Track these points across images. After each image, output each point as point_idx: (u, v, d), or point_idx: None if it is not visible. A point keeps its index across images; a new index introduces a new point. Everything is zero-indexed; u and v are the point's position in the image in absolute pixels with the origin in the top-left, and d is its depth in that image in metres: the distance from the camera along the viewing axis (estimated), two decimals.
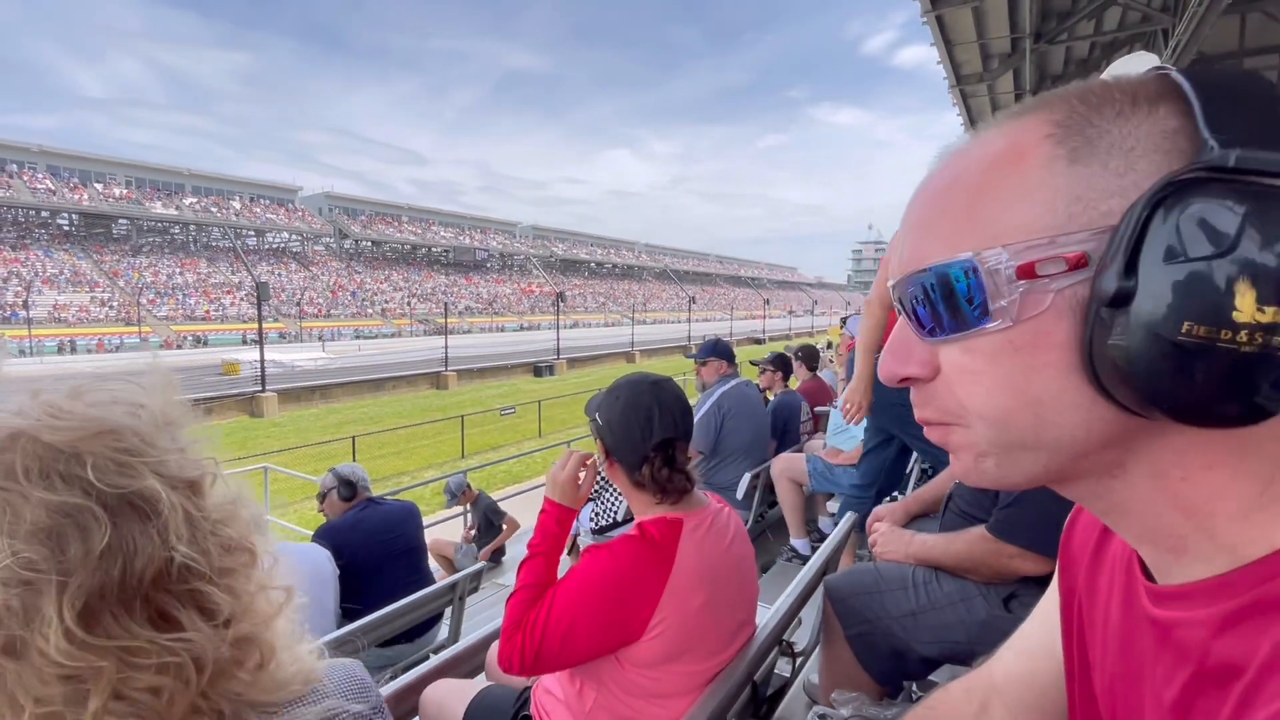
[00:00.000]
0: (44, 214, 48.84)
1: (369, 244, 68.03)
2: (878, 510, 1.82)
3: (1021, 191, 0.35)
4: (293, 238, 62.93)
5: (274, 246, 61.92)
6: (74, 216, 50.25)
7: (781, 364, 4.64)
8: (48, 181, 49.19)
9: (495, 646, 1.60)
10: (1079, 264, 0.33)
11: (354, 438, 13.93)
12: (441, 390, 28.49)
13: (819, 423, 4.47)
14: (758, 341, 55.02)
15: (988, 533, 1.40)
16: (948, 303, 0.37)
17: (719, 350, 3.52)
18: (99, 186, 51.92)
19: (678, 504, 1.23)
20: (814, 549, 3.38)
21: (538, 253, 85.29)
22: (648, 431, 1.21)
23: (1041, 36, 7.44)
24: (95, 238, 50.94)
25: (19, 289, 39.39)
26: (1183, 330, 0.30)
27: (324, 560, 2.47)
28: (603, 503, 3.60)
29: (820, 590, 1.65)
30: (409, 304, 58.41)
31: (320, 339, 42.65)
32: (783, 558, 3.39)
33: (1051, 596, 0.58)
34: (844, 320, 3.45)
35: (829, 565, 1.78)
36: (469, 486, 5.76)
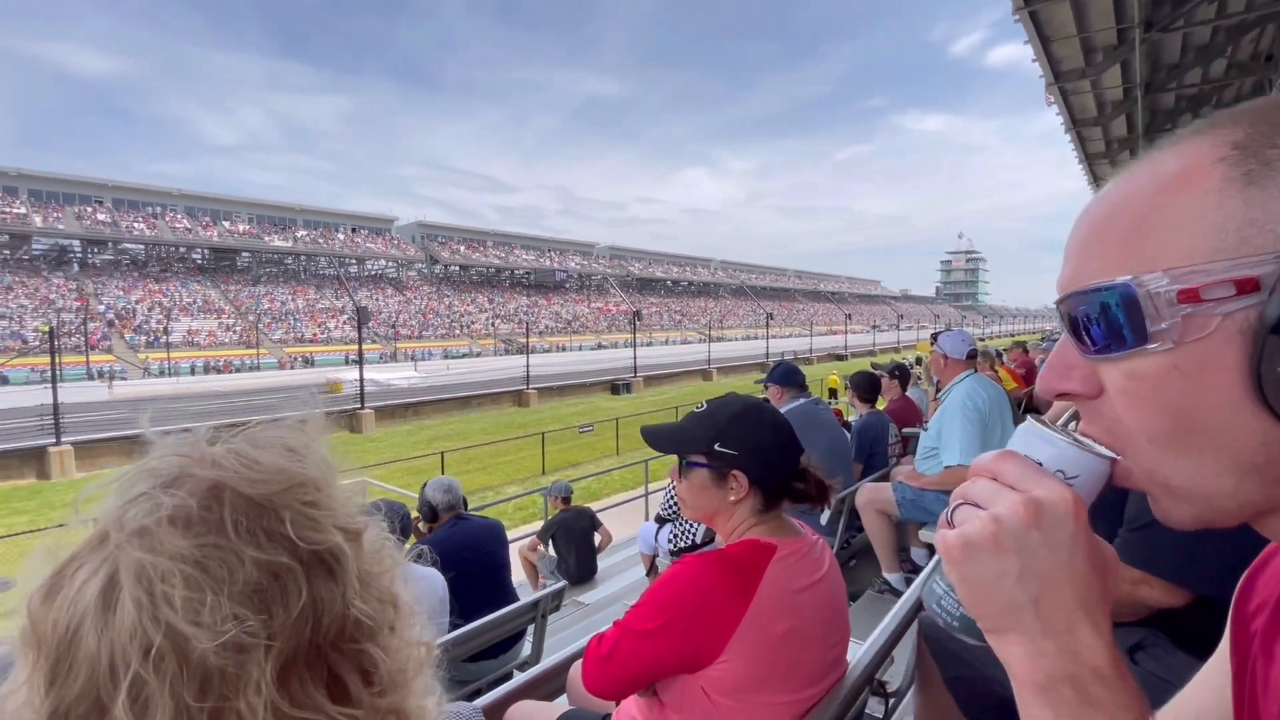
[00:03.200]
0: (181, 250, 54.95)
1: (457, 268, 71.67)
2: None
3: (1188, 215, 0.34)
4: (389, 264, 67.33)
5: (372, 273, 66.48)
6: (206, 251, 56.19)
7: (861, 384, 4.44)
8: (185, 221, 55.44)
9: (576, 667, 1.61)
10: (1250, 288, 0.32)
11: (442, 453, 14.60)
12: (523, 408, 29.42)
13: (908, 445, 4.24)
14: (839, 358, 53.23)
15: None
16: (1106, 323, 0.36)
17: (780, 377, 3.56)
18: (226, 224, 57.90)
19: (771, 530, 1.21)
20: (908, 581, 3.19)
21: (614, 272, 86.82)
22: (796, 444, 1.27)
23: (1153, 25, 6.86)
24: (222, 270, 56.68)
25: (160, 317, 44.39)
26: None
27: (441, 585, 2.55)
28: (681, 524, 3.57)
29: (915, 627, 1.55)
30: (493, 324, 60.90)
31: (413, 359, 45.21)
32: (874, 588, 3.23)
33: (1222, 658, 0.51)
34: (934, 336, 3.26)
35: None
36: (569, 497, 6.05)
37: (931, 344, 3.22)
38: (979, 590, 0.40)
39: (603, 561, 5.92)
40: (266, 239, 58.29)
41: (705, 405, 1.31)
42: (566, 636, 3.95)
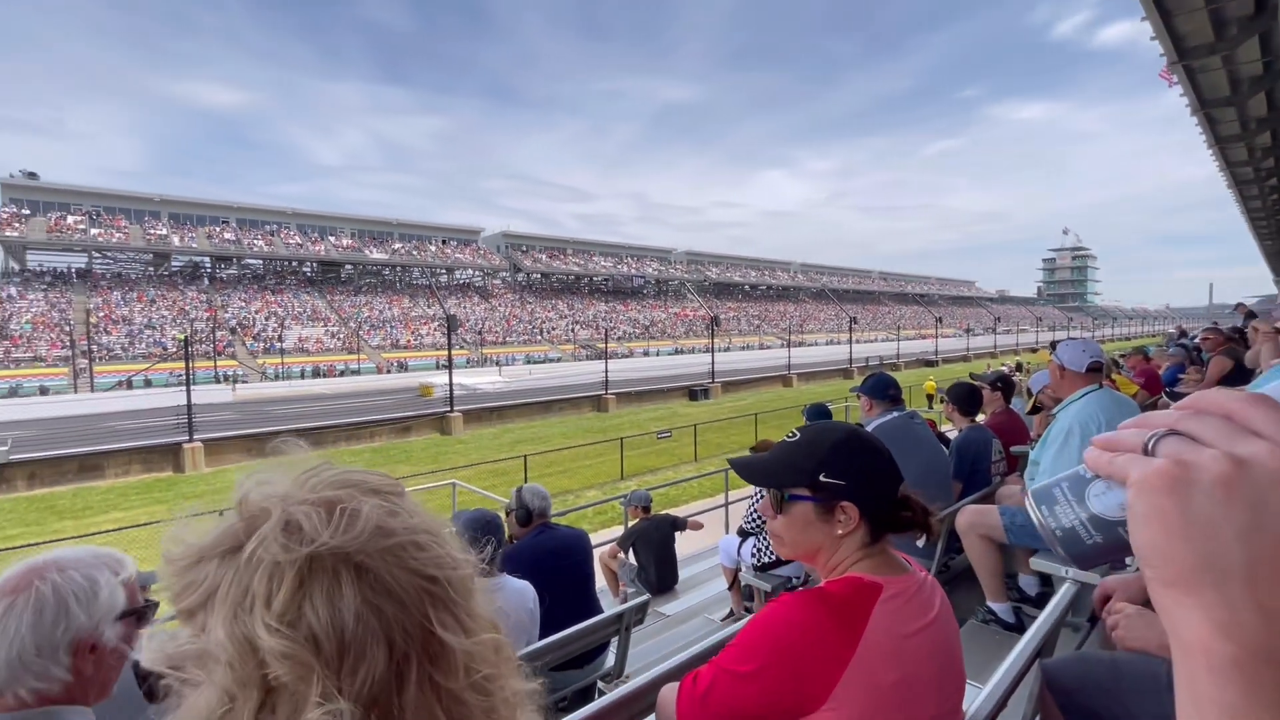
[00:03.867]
0: (293, 263, 59.91)
1: (539, 276, 73.86)
2: (1107, 583, 1.49)
3: None
4: (475, 274, 70.40)
5: (460, 282, 69.71)
6: (314, 264, 60.95)
7: (960, 396, 4.09)
8: (296, 237, 60.45)
9: (665, 690, 1.59)
10: None
11: (525, 456, 15.03)
12: (602, 412, 29.83)
13: (1015, 464, 3.93)
14: (929, 363, 50.47)
15: None
16: None
17: (871, 388, 3.38)
18: (332, 239, 62.59)
19: (876, 566, 1.13)
20: (1016, 612, 2.96)
21: (691, 277, 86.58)
22: (896, 471, 1.18)
23: None
24: (328, 281, 61.24)
25: (275, 326, 48.56)
26: None
27: (532, 597, 2.55)
28: (765, 538, 3.48)
29: (1034, 672, 1.42)
30: (573, 330, 62.27)
31: (497, 364, 46.94)
32: (977, 618, 3.00)
33: None
34: (1054, 345, 2.97)
35: (1045, 645, 1.52)
36: (649, 506, 6.07)
37: (1051, 352, 2.93)
38: (1175, 532, 0.33)
39: (684, 572, 5.88)
40: (366, 252, 62.50)
41: (799, 434, 1.22)
42: (649, 648, 3.95)
